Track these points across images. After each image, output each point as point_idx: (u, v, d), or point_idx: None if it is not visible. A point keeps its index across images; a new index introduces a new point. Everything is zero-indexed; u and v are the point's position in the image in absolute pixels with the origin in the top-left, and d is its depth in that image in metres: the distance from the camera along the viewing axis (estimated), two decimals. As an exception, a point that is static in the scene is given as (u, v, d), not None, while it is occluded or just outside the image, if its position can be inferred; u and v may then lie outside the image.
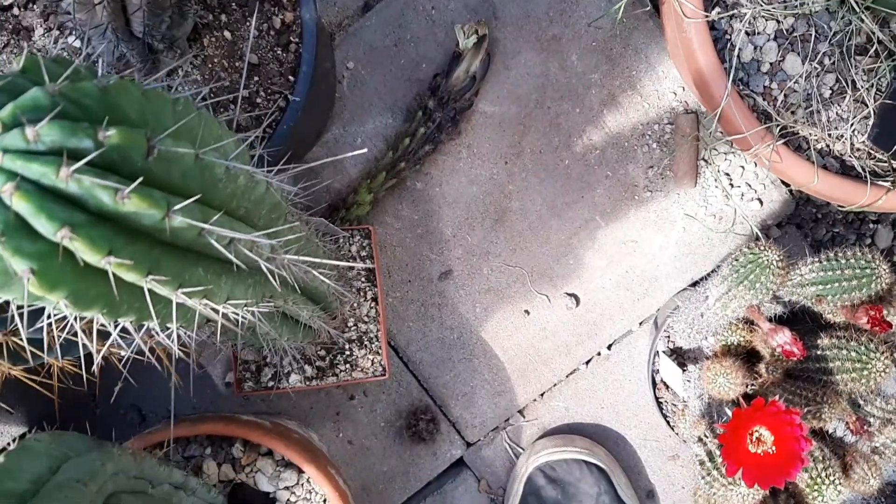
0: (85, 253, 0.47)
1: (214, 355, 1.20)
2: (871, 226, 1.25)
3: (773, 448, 0.84)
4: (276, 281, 0.69)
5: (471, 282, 1.26)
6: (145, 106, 0.52)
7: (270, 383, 1.09)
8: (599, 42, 1.21)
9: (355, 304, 1.09)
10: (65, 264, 0.48)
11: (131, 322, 0.59)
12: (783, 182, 1.22)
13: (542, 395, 1.28)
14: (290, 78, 0.87)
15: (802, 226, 1.26)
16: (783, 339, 0.90)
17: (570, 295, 1.25)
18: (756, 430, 0.85)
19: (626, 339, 1.26)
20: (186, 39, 0.87)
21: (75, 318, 0.55)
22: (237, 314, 0.67)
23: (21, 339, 0.81)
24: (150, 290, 0.53)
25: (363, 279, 1.10)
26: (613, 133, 1.22)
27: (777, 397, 0.83)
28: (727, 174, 1.22)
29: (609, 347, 1.27)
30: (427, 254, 1.25)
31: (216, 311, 0.63)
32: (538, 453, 1.21)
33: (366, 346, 1.10)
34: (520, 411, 1.29)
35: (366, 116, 1.23)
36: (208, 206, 0.58)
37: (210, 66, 0.88)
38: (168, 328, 0.64)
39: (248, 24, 0.87)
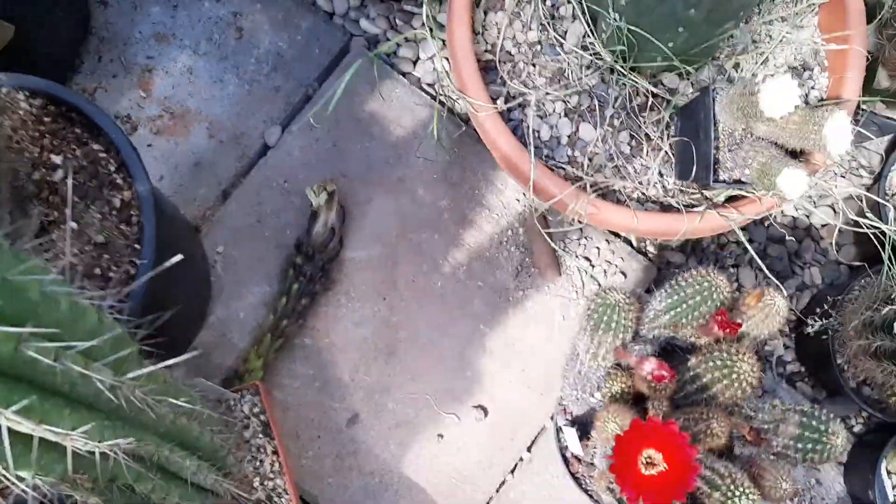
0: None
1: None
2: (732, 270, 1.33)
3: (666, 465, 0.84)
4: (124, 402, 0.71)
5: (379, 421, 1.26)
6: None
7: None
8: (439, 173, 1.33)
9: (258, 463, 1.08)
10: None
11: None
12: (639, 251, 1.31)
13: (479, 517, 1.25)
14: (137, 247, 0.94)
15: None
16: (650, 367, 0.94)
17: (477, 407, 1.27)
18: (646, 454, 0.86)
19: (542, 438, 1.27)
20: (34, 237, 0.94)
21: None
22: (87, 446, 0.68)
23: None
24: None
25: (260, 434, 1.11)
26: (474, 247, 1.31)
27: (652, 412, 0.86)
28: (586, 258, 1.30)
29: (529, 449, 1.27)
30: (330, 404, 1.26)
31: (59, 441, 0.65)
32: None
33: (275, 503, 1.08)
34: (461, 541, 1.25)
35: (244, 291, 1.29)
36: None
37: (62, 257, 0.94)
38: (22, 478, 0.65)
39: (90, 210, 0.95)
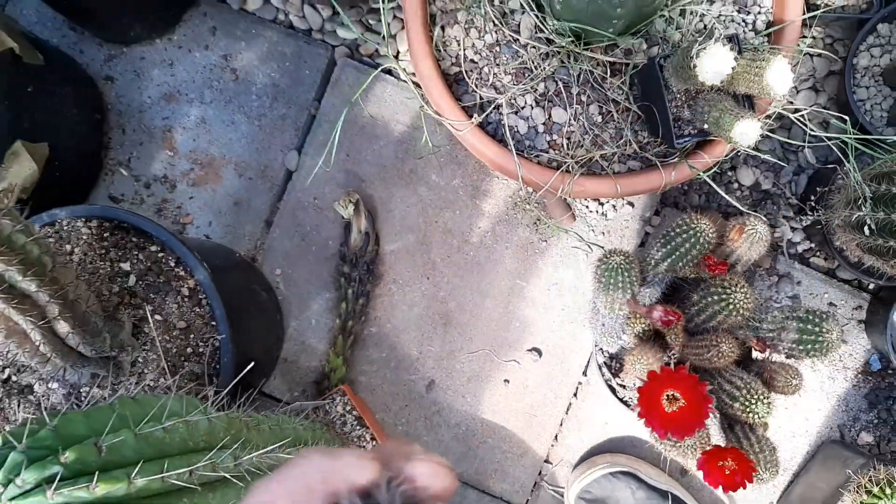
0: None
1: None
2: (730, 173, 1.43)
3: (685, 401, 1.01)
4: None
5: (452, 381, 1.47)
6: (88, 422, 0.77)
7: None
8: (446, 155, 1.46)
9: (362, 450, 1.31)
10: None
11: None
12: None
13: (555, 438, 1.46)
14: (213, 324, 1.13)
15: (678, 202, 1.45)
16: (658, 314, 1.09)
17: (531, 350, 1.45)
18: (668, 393, 1.03)
19: (594, 361, 1.45)
20: (133, 335, 1.14)
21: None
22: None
23: None
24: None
25: (358, 427, 1.32)
26: (493, 214, 1.45)
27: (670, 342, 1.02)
28: (594, 199, 1.43)
29: (585, 373, 1.46)
30: (407, 378, 1.47)
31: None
32: (571, 485, 1.38)
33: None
34: (545, 461, 1.47)
35: (309, 302, 1.48)
36: (168, 457, 0.82)
37: (157, 344, 1.14)
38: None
39: (167, 302, 1.14)
